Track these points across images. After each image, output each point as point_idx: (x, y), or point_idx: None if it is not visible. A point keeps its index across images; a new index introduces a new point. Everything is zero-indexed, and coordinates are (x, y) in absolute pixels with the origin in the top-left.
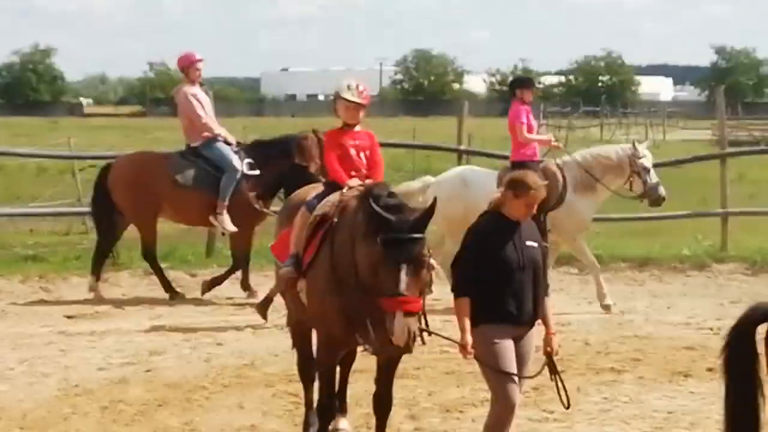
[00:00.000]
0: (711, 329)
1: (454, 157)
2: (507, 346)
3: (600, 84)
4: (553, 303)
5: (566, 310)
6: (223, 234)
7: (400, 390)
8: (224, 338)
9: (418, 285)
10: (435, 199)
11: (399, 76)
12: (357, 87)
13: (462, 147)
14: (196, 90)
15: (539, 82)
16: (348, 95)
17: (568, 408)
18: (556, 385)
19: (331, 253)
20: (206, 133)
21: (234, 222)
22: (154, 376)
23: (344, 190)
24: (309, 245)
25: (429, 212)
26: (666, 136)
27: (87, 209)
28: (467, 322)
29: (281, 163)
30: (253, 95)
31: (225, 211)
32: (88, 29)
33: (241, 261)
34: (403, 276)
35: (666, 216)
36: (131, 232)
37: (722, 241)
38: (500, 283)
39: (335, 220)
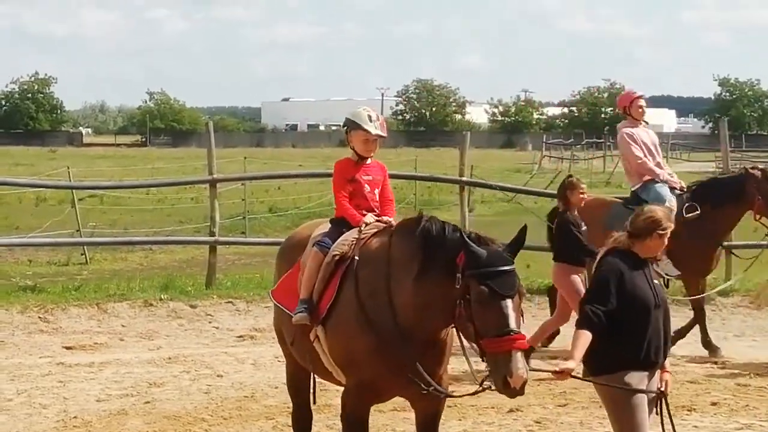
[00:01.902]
0: (715, 363)
1: (456, 188)
2: (643, 400)
3: (603, 115)
4: None
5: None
6: (667, 281)
7: (401, 423)
8: (224, 370)
9: (520, 318)
10: (525, 227)
11: (400, 107)
12: (378, 118)
13: (464, 178)
14: (636, 129)
15: (541, 113)
16: (370, 127)
17: None
18: (662, 423)
19: (357, 292)
20: (646, 177)
21: (682, 269)
22: (153, 408)
23: (362, 227)
24: (327, 288)
25: (520, 240)
26: (670, 168)
27: (86, 240)
28: (581, 353)
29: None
30: (254, 125)
31: (665, 256)
32: (87, 58)
33: (697, 313)
34: (511, 312)
35: None
36: (130, 263)
37: (726, 274)
38: (641, 324)
39: (356, 258)
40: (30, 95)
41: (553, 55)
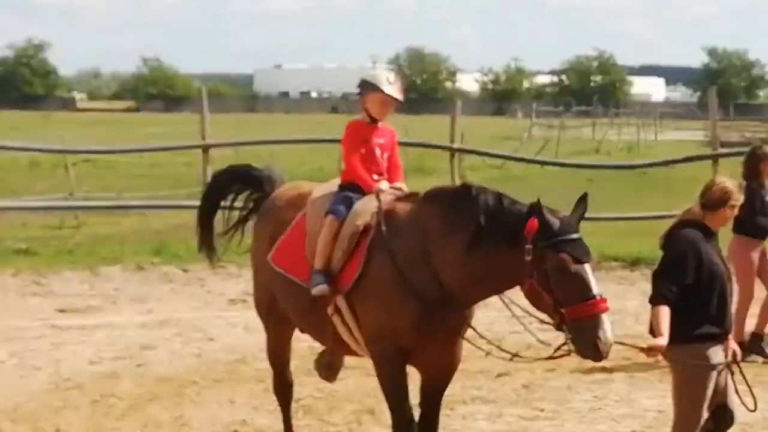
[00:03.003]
0: None
1: (446, 155)
2: (715, 375)
3: (592, 84)
4: None
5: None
6: None
7: None
8: (216, 333)
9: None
10: (585, 194)
11: (386, 69)
12: (396, 81)
13: (455, 145)
14: None
15: (531, 82)
16: (389, 89)
17: (754, 410)
18: (737, 391)
19: (394, 263)
20: None
21: None
22: (145, 371)
23: (381, 196)
24: (351, 259)
25: (584, 208)
26: (658, 136)
27: (79, 203)
28: (665, 328)
29: None
30: (246, 92)
31: None
32: (81, 24)
33: None
34: (591, 277)
35: (657, 216)
36: (123, 227)
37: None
38: (718, 297)
39: (383, 227)
40: (25, 60)
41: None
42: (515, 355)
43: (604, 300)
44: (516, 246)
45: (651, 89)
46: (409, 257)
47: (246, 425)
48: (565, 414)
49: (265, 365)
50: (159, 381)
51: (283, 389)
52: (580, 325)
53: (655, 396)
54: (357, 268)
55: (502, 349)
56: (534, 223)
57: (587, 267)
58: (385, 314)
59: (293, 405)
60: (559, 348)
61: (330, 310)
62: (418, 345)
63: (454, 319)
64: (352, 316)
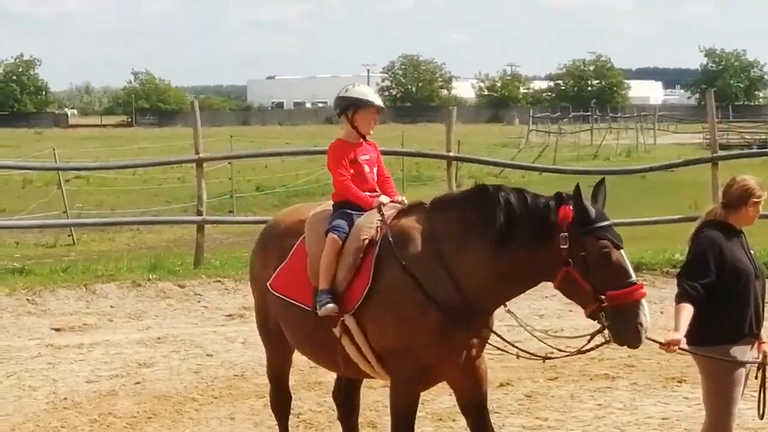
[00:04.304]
0: None
1: (443, 164)
2: (743, 375)
3: (589, 88)
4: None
5: (559, 317)
6: None
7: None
8: (214, 349)
9: None
10: (603, 179)
11: (387, 83)
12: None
13: (451, 154)
14: None
15: (528, 87)
16: (376, 100)
17: (762, 418)
18: (761, 394)
19: (408, 273)
20: None
21: None
22: (143, 389)
23: (383, 210)
24: (357, 275)
25: (605, 194)
26: (657, 140)
27: (73, 221)
28: (684, 325)
29: None
30: (240, 104)
31: None
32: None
33: None
34: (628, 262)
35: (658, 221)
36: (118, 244)
37: None
38: (744, 296)
39: (390, 239)
40: (14, 77)
41: (539, 30)
42: (546, 357)
43: (642, 285)
44: (547, 238)
45: (649, 92)
46: (424, 266)
47: None
48: (568, 423)
49: (265, 380)
50: (157, 399)
51: (282, 404)
52: (621, 311)
53: (658, 403)
54: (365, 284)
55: (530, 353)
56: (567, 211)
57: (623, 253)
58: (403, 329)
59: (294, 420)
60: (593, 337)
61: (337, 331)
62: (443, 358)
63: (477, 326)
64: (362, 335)
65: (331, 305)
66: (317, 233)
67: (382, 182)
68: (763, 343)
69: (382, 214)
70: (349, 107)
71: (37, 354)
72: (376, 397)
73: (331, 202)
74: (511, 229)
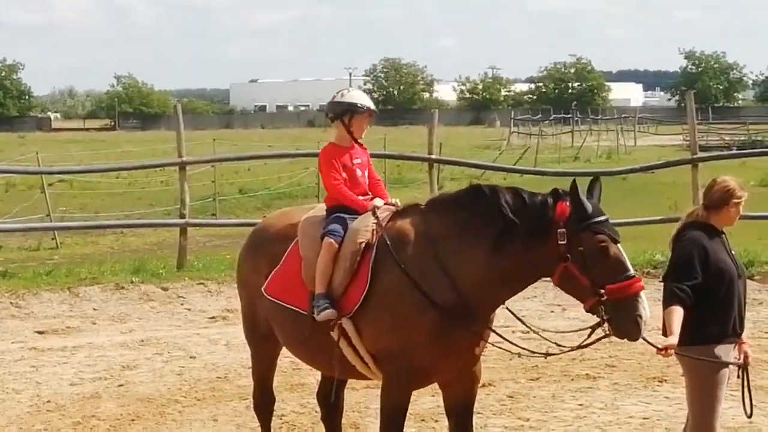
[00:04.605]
0: None
1: (425, 166)
2: (726, 374)
3: (570, 91)
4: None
5: (540, 317)
6: None
7: (375, 399)
8: (197, 351)
9: None
10: (597, 176)
11: (368, 86)
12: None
13: (433, 156)
14: None
15: (509, 90)
16: (370, 103)
17: (749, 417)
18: (743, 394)
19: (406, 275)
20: None
21: None
22: (126, 391)
23: (378, 213)
24: (354, 278)
25: (600, 190)
26: (637, 141)
27: (57, 224)
28: (677, 328)
29: None
30: (223, 107)
31: None
32: (55, 42)
33: None
34: (626, 256)
35: (639, 221)
36: (102, 247)
37: None
38: (725, 295)
39: (387, 242)
40: None
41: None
42: (547, 354)
43: (640, 278)
44: (545, 234)
45: (629, 94)
46: (422, 268)
47: None
48: (550, 423)
49: (248, 382)
50: (141, 401)
51: (265, 406)
52: (620, 304)
53: (639, 403)
54: (363, 287)
55: (531, 351)
56: (564, 207)
57: (621, 247)
58: (401, 330)
59: (276, 421)
60: (593, 330)
61: (335, 334)
62: (439, 359)
63: (474, 326)
64: (358, 337)
65: (329, 310)
66: (311, 237)
67: (373, 185)
68: (744, 343)
69: (377, 217)
70: (345, 112)
71: (20, 357)
72: (358, 398)
73: (322, 206)
74: (510, 228)
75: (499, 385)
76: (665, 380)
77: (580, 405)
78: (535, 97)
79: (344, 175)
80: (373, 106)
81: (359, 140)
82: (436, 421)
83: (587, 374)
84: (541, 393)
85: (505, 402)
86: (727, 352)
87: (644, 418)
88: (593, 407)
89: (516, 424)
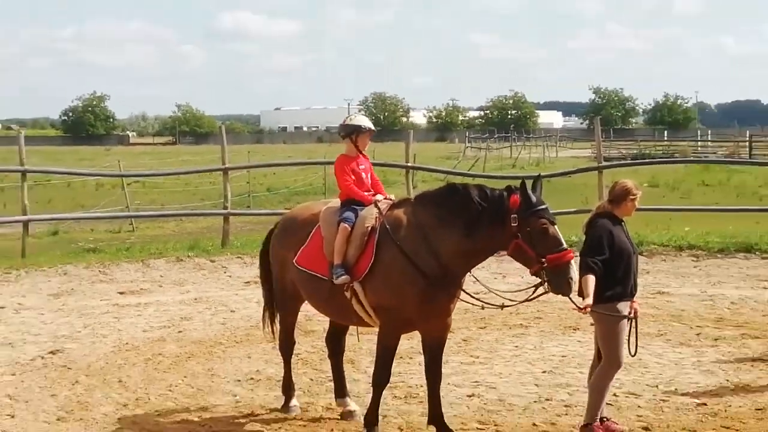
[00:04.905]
0: None
1: (403, 172)
2: (625, 323)
3: (509, 116)
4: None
5: (489, 282)
6: None
7: (368, 343)
8: (236, 307)
9: None
10: (539, 175)
11: (362, 113)
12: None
13: (409, 164)
14: None
15: (465, 116)
16: (370, 125)
17: (633, 356)
18: (629, 336)
19: (401, 251)
20: None
21: None
22: (184, 336)
23: (379, 205)
24: (363, 253)
25: (541, 186)
26: (558, 154)
27: (133, 213)
28: (592, 291)
29: None
30: (254, 128)
31: None
32: (132, 78)
33: None
34: (560, 234)
35: (559, 212)
36: (166, 230)
37: None
38: (624, 267)
39: (387, 226)
40: (90, 108)
41: (476, 74)
42: (503, 306)
43: (571, 250)
44: (502, 219)
45: (552, 119)
46: (412, 246)
47: (259, 374)
48: (494, 360)
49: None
50: (194, 343)
51: (288, 347)
52: (556, 269)
53: (559, 345)
54: (369, 259)
55: (490, 304)
56: (516, 198)
57: (557, 227)
58: (397, 290)
59: (293, 358)
60: (536, 289)
61: (348, 294)
62: (422, 314)
63: (451, 288)
64: (364, 296)
65: (345, 276)
66: (330, 223)
67: (375, 184)
68: (635, 302)
69: (379, 208)
70: (352, 131)
71: (106, 311)
72: (354, 341)
73: (336, 200)
74: (477, 214)
75: (456, 333)
76: (578, 329)
77: (516, 347)
78: (483, 121)
79: (353, 177)
80: (373, 127)
81: (363, 152)
82: (411, 358)
83: (521, 324)
84: (487, 338)
85: (461, 344)
86: (625, 308)
87: (562, 356)
88: (525, 348)
89: (469, 360)
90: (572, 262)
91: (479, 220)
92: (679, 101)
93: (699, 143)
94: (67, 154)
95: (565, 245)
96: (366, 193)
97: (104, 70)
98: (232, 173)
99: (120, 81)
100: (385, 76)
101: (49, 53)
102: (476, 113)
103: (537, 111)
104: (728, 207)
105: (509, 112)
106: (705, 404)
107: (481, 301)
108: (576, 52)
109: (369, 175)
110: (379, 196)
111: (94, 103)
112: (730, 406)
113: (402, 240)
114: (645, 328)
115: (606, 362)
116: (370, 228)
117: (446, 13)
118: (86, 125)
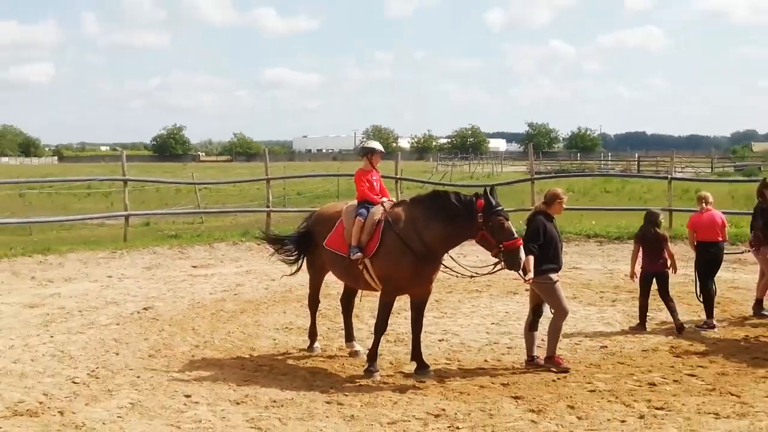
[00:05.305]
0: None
1: (393, 182)
2: (559, 286)
3: (469, 142)
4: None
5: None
6: None
7: (368, 302)
8: (276, 276)
9: None
10: (493, 187)
11: (363, 139)
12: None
13: (398, 176)
14: None
15: (437, 142)
16: (381, 148)
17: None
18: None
19: (398, 237)
20: None
21: None
22: (238, 297)
23: (384, 205)
24: (372, 238)
25: (494, 192)
26: (503, 169)
27: (202, 210)
28: (532, 267)
29: None
30: (288, 150)
31: None
32: (203, 114)
33: None
34: (513, 227)
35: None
36: (226, 222)
37: None
38: (554, 250)
39: (389, 219)
40: (171, 136)
41: (445, 113)
42: (473, 275)
43: (520, 239)
44: (472, 216)
45: (498, 145)
46: (407, 233)
47: (292, 325)
48: (457, 315)
49: (303, 293)
50: (246, 302)
51: (314, 304)
52: (510, 252)
53: (504, 304)
54: (376, 242)
55: (463, 275)
56: (481, 202)
57: (510, 222)
58: (393, 265)
59: (320, 313)
60: (495, 266)
61: (361, 266)
62: (413, 282)
63: (434, 264)
64: (372, 268)
65: (359, 254)
66: (350, 216)
67: (382, 190)
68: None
69: (384, 207)
70: (368, 152)
71: (183, 279)
72: (358, 302)
73: (354, 201)
74: (454, 212)
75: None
76: (517, 293)
77: (473, 305)
78: (450, 145)
79: (368, 185)
80: (383, 149)
81: (375, 167)
82: (398, 314)
83: (476, 290)
84: (452, 299)
85: (433, 303)
86: (555, 277)
87: (506, 312)
88: (480, 307)
89: (439, 315)
90: (521, 247)
91: (456, 216)
92: (588, 132)
93: (602, 162)
94: (155, 168)
95: (516, 235)
96: (375, 196)
97: (182, 108)
98: (273, 182)
99: (193, 117)
100: (381, 113)
101: (143, 96)
102: (445, 140)
103: (488, 138)
104: (622, 207)
105: (468, 139)
106: (606, 347)
107: (457, 273)
108: (516, 97)
109: (378, 184)
110: (384, 199)
111: (175, 132)
112: (624, 348)
113: (400, 229)
114: (563, 292)
115: (556, 312)
116: (377, 220)
117: (426, 70)
118: (169, 148)
